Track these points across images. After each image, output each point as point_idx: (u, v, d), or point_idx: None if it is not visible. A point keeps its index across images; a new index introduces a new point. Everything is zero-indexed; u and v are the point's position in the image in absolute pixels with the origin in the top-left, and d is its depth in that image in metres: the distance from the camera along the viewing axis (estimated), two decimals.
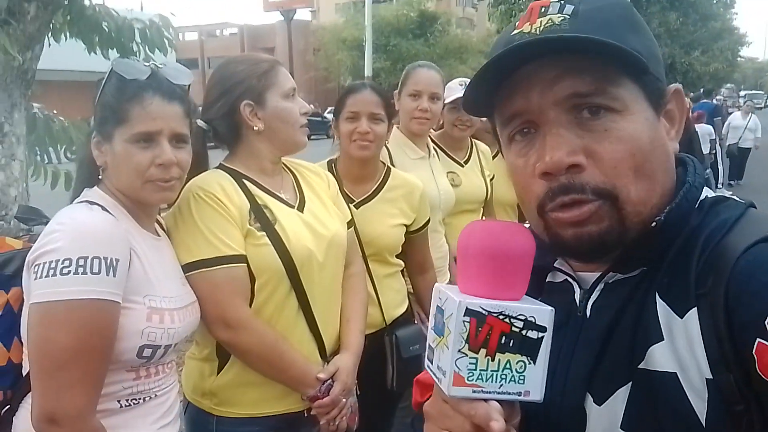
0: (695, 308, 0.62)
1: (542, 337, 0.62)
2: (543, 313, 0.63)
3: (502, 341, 0.61)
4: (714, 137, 9.75)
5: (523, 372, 0.62)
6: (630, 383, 0.66)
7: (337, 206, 1.76)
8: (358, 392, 1.74)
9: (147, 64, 1.32)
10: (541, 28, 0.67)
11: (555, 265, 0.78)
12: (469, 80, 0.98)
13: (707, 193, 0.71)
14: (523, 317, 0.62)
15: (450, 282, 2.30)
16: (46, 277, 1.12)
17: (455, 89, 2.45)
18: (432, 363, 0.66)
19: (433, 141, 2.55)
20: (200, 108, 1.61)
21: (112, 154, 1.27)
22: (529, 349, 0.62)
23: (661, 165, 0.68)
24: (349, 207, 1.88)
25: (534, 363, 0.62)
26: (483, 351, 0.61)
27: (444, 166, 2.50)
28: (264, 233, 1.51)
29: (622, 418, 0.66)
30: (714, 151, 9.72)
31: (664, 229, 0.67)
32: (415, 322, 2.13)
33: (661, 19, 19.50)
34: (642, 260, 0.69)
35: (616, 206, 0.65)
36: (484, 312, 0.61)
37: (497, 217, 2.72)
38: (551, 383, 0.71)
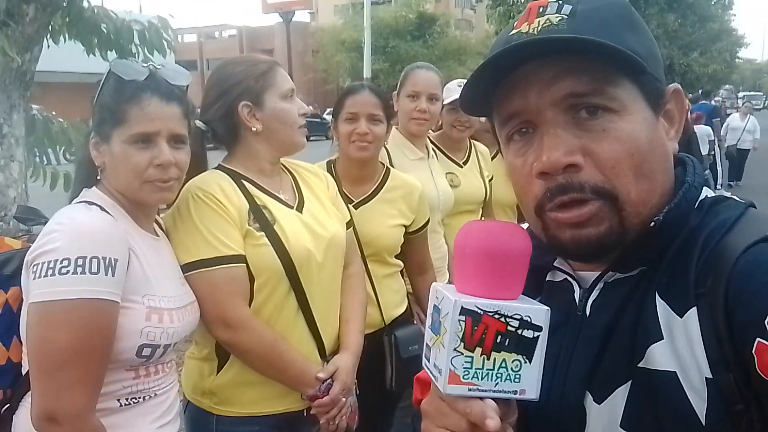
0: (695, 308, 0.62)
1: (538, 336, 0.63)
2: (539, 312, 0.63)
3: (498, 340, 0.62)
4: (713, 138, 9.77)
5: (518, 371, 0.63)
6: (629, 382, 0.66)
7: (335, 207, 1.76)
8: (358, 392, 1.74)
9: (145, 65, 1.32)
10: (539, 28, 0.67)
11: (554, 264, 0.78)
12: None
13: (707, 192, 0.71)
14: (518, 317, 0.62)
15: (449, 282, 2.30)
16: (44, 276, 1.12)
17: (454, 90, 2.45)
18: (429, 361, 0.67)
19: (431, 142, 2.55)
20: (199, 109, 1.61)
21: (110, 154, 1.27)
22: (525, 349, 0.63)
23: (660, 165, 0.68)
24: (348, 207, 1.88)
25: (530, 362, 0.63)
26: (478, 350, 0.62)
27: (443, 166, 2.50)
28: (263, 233, 1.51)
29: (621, 417, 0.66)
30: (713, 152, 9.73)
31: (663, 229, 0.67)
32: (415, 322, 2.13)
33: (659, 21, 19.50)
34: (641, 260, 0.69)
35: (617, 207, 0.65)
36: (479, 311, 0.62)
37: (496, 218, 2.72)
38: (551, 382, 0.71)
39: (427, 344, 0.68)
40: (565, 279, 0.78)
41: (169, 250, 1.42)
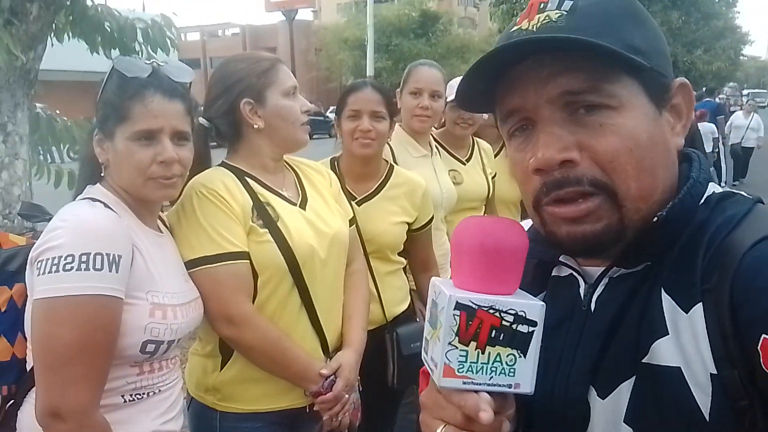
0: (701, 303, 0.62)
1: (533, 331, 0.63)
2: (533, 308, 0.64)
3: (492, 335, 0.63)
4: (717, 136, 9.74)
5: (513, 365, 0.63)
6: (634, 377, 0.66)
7: (338, 204, 1.76)
8: (361, 389, 1.74)
9: (148, 62, 1.32)
10: (538, 25, 0.66)
11: (560, 259, 0.78)
12: None
13: (714, 188, 0.70)
14: (513, 312, 0.63)
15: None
16: (48, 273, 1.12)
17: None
18: (427, 354, 0.68)
19: (435, 139, 2.55)
20: (202, 107, 1.62)
21: (113, 151, 1.27)
22: (520, 343, 0.63)
23: (662, 161, 0.68)
24: (351, 204, 1.88)
25: (524, 356, 0.63)
26: (473, 344, 0.62)
27: (446, 164, 2.50)
28: (266, 230, 1.51)
29: (625, 412, 0.66)
30: (717, 150, 9.70)
31: (667, 225, 0.66)
32: (417, 320, 2.13)
33: (663, 18, 19.45)
34: (645, 255, 0.69)
35: (617, 203, 0.65)
36: (474, 306, 0.62)
37: (499, 215, 2.72)
38: (555, 376, 0.71)
39: (425, 338, 0.69)
40: (571, 274, 0.77)
41: (172, 246, 1.42)
